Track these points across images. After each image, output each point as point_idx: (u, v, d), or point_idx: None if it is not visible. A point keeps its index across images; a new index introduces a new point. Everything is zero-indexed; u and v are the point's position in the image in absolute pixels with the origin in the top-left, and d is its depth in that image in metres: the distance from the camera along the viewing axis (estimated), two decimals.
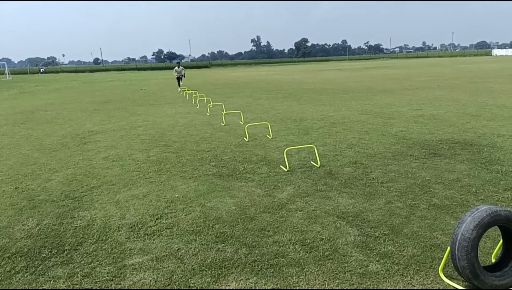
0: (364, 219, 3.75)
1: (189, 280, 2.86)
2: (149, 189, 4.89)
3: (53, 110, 13.88)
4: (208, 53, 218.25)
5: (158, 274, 2.95)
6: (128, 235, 3.63)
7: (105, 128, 9.56)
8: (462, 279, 2.65)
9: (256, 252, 3.21)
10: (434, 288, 2.63)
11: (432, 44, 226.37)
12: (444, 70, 30.86)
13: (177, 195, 4.63)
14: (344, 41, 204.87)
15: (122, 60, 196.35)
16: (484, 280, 2.51)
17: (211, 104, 12.70)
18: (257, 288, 2.72)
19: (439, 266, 2.81)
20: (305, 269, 2.92)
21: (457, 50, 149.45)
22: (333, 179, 4.97)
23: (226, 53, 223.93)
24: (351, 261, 3.00)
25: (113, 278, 2.92)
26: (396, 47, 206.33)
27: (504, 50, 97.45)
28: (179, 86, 21.40)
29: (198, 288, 2.75)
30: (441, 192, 4.38)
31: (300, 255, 3.13)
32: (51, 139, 8.35)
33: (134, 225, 3.84)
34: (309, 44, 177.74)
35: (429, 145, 6.54)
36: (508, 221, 2.56)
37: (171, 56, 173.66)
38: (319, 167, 5.50)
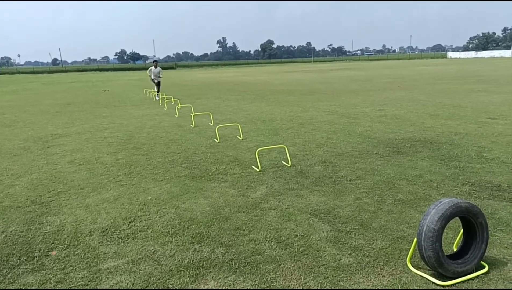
0: (335, 215, 3.90)
1: (167, 281, 2.86)
2: (120, 192, 4.81)
3: (12, 113, 13.22)
4: (173, 54, 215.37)
5: (135, 277, 2.93)
6: (101, 239, 3.56)
7: (69, 131, 9.24)
8: (428, 267, 2.83)
9: (233, 251, 3.26)
10: (403, 278, 2.79)
11: (392, 47, 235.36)
12: (404, 72, 32.22)
13: (149, 198, 4.58)
14: (309, 43, 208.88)
15: (83, 61, 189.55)
16: (448, 267, 2.70)
17: (179, 105, 12.58)
18: (236, 286, 2.77)
19: (406, 257, 2.98)
20: (282, 265, 3.01)
21: (415, 53, 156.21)
22: (304, 177, 5.11)
23: (191, 54, 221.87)
24: (325, 256, 3.12)
25: (88, 283, 2.87)
26: (358, 50, 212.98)
27: (458, 52, 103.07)
28: (157, 92, 16.74)
29: (177, 289, 2.76)
30: (405, 187, 4.62)
31: (276, 252, 3.22)
32: (12, 144, 7.98)
33: (106, 229, 3.77)
34: (274, 45, 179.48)
35: (392, 143, 6.85)
36: (468, 212, 2.77)
37: (135, 56, 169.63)
38: (290, 166, 5.63)
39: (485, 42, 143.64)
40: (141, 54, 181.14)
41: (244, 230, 3.65)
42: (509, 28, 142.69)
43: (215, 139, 7.65)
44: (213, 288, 2.75)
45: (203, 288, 2.75)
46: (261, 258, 3.13)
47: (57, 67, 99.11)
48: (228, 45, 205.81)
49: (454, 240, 3.24)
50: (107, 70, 76.12)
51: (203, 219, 3.93)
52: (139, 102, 15.98)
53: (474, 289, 2.66)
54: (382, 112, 10.43)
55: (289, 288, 2.72)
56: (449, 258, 2.78)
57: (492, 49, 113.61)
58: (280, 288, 2.72)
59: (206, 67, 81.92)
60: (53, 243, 3.51)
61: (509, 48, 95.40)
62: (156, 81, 17.02)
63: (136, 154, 6.78)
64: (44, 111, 13.57)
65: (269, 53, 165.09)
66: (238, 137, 7.84)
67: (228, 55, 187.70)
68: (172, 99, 14.57)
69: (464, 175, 5.01)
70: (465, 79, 21.49)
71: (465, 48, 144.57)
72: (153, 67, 17.36)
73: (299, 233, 3.54)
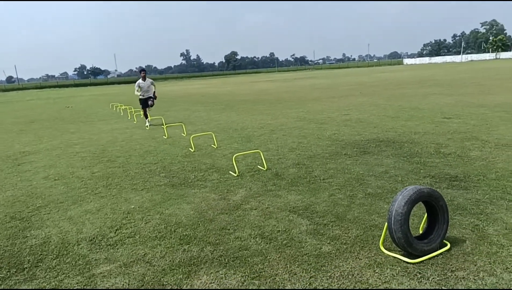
0: (313, 210, 4.19)
1: (162, 279, 3.02)
2: (101, 204, 4.87)
3: None
4: (136, 68, 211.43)
5: (130, 278, 3.06)
6: (90, 248, 3.65)
7: (37, 148, 9.06)
8: (399, 249, 3.16)
9: (221, 248, 3.46)
10: (377, 259, 3.10)
11: (351, 56, 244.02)
12: (364, 79, 33.64)
13: (132, 206, 4.69)
14: (272, 54, 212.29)
15: (40, 78, 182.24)
16: (416, 247, 3.04)
17: (150, 117, 12.58)
18: (228, 278, 2.97)
19: (379, 241, 3.31)
20: (268, 257, 3.24)
21: (373, 60, 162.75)
22: (280, 179, 5.39)
23: (155, 67, 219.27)
24: (307, 246, 3.39)
25: (84, 287, 2.97)
26: (320, 59, 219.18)
27: (413, 59, 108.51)
28: (146, 117, 12.01)
29: (173, 287, 2.92)
30: (373, 183, 5.00)
31: (261, 246, 3.45)
32: None
33: (93, 238, 3.85)
34: (238, 57, 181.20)
35: (359, 144, 7.29)
36: (430, 196, 3.14)
37: (95, 71, 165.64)
38: (266, 170, 5.89)
39: (438, 48, 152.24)
40: (102, 68, 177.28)
41: (229, 229, 3.86)
42: (458, 35, 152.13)
43: (190, 149, 7.80)
44: (207, 281, 2.94)
45: (198, 289, 2.93)
46: (248, 252, 3.35)
47: (12, 85, 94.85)
48: (192, 58, 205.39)
49: (419, 225, 3.61)
50: (67, 86, 73.71)
51: (188, 222, 4.10)
52: (106, 116, 15.78)
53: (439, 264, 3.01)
54: (347, 117, 10.97)
55: (277, 276, 2.95)
56: (417, 239, 3.13)
57: (444, 55, 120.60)
58: (268, 276, 2.95)
59: (170, 80, 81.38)
60: (41, 254, 3.56)
61: (459, 54, 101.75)
62: (149, 102, 12.04)
63: (112, 166, 6.81)
64: (7, 130, 13.13)
65: (234, 64, 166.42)
66: (212, 145, 8.03)
67: (192, 68, 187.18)
68: (141, 112, 14.51)
69: (425, 169, 5.48)
70: (421, 83, 22.82)
71: (420, 54, 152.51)
72: (140, 81, 11.96)
73: (281, 228, 3.79)
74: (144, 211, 4.51)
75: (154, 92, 12.41)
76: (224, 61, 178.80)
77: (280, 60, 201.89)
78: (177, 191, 5.16)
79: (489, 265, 2.91)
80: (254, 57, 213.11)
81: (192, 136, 8.29)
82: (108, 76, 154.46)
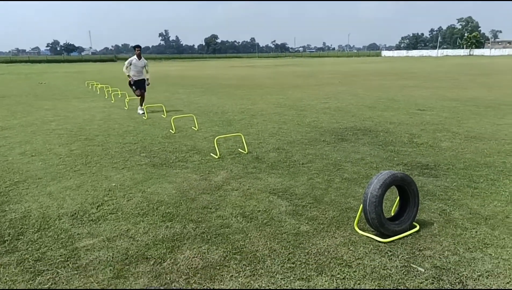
0: (292, 193, 4.34)
1: (146, 253, 3.10)
2: (81, 181, 4.86)
3: None
4: (112, 46, 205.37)
5: (113, 251, 3.13)
6: (72, 222, 3.67)
7: (11, 124, 8.81)
8: (372, 229, 3.36)
9: (203, 225, 3.57)
10: (352, 238, 3.29)
11: (331, 45, 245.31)
12: (343, 68, 34.07)
13: (114, 184, 4.70)
14: (253, 39, 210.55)
15: (10, 52, 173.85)
16: (388, 227, 3.24)
17: (128, 98, 12.39)
18: (210, 253, 3.09)
19: (354, 222, 3.50)
20: (249, 235, 3.38)
21: (353, 51, 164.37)
22: (260, 163, 5.52)
23: (131, 46, 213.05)
24: (286, 225, 3.55)
25: (68, 259, 3.02)
26: (300, 47, 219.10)
27: (391, 51, 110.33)
28: (141, 103, 10.19)
29: (157, 260, 3.01)
30: (350, 168, 5.21)
31: (243, 224, 3.58)
32: None
33: (75, 213, 3.87)
34: (219, 40, 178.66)
35: (337, 132, 7.50)
36: (403, 181, 3.34)
37: (69, 48, 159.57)
38: (247, 153, 6.00)
39: (415, 42, 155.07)
40: (76, 45, 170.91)
41: (211, 208, 3.96)
42: (435, 29, 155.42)
43: (171, 130, 7.80)
44: (190, 256, 3.05)
45: None
46: (229, 230, 3.48)
47: None
48: (171, 38, 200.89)
49: (391, 209, 3.82)
50: (39, 61, 70.88)
51: (170, 201, 4.17)
52: (82, 94, 15.40)
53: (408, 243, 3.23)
54: (326, 105, 11.18)
55: (258, 252, 3.10)
56: (389, 220, 3.34)
57: (421, 49, 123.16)
58: (249, 252, 3.09)
59: (148, 60, 79.32)
60: (22, 227, 3.56)
61: (436, 48, 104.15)
62: (137, 78, 10.10)
63: (91, 145, 6.74)
64: None
65: (214, 48, 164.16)
66: (193, 128, 8.05)
67: (171, 49, 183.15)
68: (119, 92, 14.27)
69: (399, 157, 5.73)
70: (398, 75, 23.36)
71: (397, 47, 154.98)
72: (134, 58, 10.04)
73: (261, 208, 3.93)
74: (126, 189, 4.55)
75: (148, 79, 10.41)
76: (204, 44, 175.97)
77: (261, 46, 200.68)
78: (159, 171, 5.20)
79: (453, 246, 3.15)
80: (235, 41, 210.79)
81: (173, 117, 8.27)
82: (82, 54, 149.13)
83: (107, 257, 3.04)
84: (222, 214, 3.81)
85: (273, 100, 12.55)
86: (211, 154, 5.99)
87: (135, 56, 10.12)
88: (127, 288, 2.66)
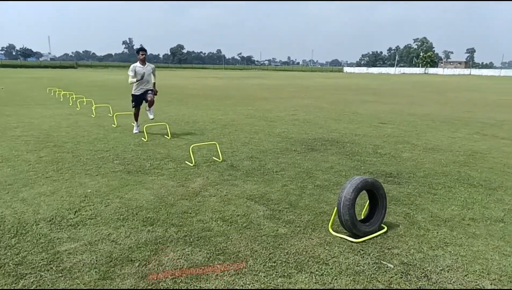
0: (268, 198, 4.54)
1: (130, 255, 3.16)
2: (55, 187, 4.79)
3: None
4: (72, 52, 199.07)
5: (97, 254, 3.16)
6: (50, 228, 3.65)
7: None
8: (345, 231, 3.62)
9: (185, 229, 3.67)
10: (327, 239, 3.53)
11: (296, 59, 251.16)
12: (308, 82, 35.09)
13: (89, 191, 4.68)
14: (219, 51, 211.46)
15: None
16: (359, 228, 3.51)
17: (94, 105, 12.15)
18: (194, 254, 3.20)
19: (328, 225, 3.74)
20: (230, 237, 3.52)
21: (317, 66, 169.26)
22: (235, 170, 5.68)
23: (93, 53, 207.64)
24: (265, 228, 3.72)
25: (51, 262, 3.02)
26: (266, 60, 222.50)
27: (352, 68, 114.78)
28: (136, 120, 8.65)
29: (141, 262, 3.08)
30: (321, 176, 5.49)
31: (223, 228, 3.72)
32: None
33: (52, 219, 3.84)
34: (185, 50, 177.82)
35: (306, 142, 7.82)
36: (373, 185, 3.63)
37: (26, 53, 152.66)
38: (221, 161, 6.14)
39: (374, 59, 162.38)
40: (34, 50, 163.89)
41: (190, 213, 4.06)
42: (393, 48, 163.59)
43: (143, 138, 7.79)
44: (174, 257, 3.14)
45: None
46: (211, 233, 3.60)
47: None
48: (135, 47, 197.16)
49: (361, 212, 4.11)
50: None
51: (149, 206, 4.23)
52: (44, 101, 14.89)
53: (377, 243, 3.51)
54: (295, 117, 11.56)
55: (240, 252, 3.24)
56: (360, 222, 3.61)
57: (380, 66, 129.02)
58: (232, 253, 3.23)
59: (111, 68, 77.70)
60: None
61: (393, 66, 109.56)
62: (148, 95, 8.39)
63: (60, 152, 6.61)
64: None
65: (179, 58, 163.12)
66: (166, 136, 8.08)
67: (134, 57, 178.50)
68: (85, 99, 13.95)
69: (365, 166, 6.10)
70: (360, 91, 24.45)
71: (358, 64, 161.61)
72: (137, 64, 8.28)
73: (240, 213, 4.09)
74: (102, 195, 4.54)
75: (154, 83, 8.64)
76: (169, 53, 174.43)
77: (227, 57, 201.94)
78: (134, 178, 5.22)
79: (418, 245, 3.46)
80: (201, 52, 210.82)
81: (146, 125, 8.26)
82: (41, 59, 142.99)
83: (91, 260, 3.07)
84: (202, 218, 3.92)
85: (243, 111, 12.78)
86: (186, 162, 6.07)
87: (137, 63, 8.26)
88: (115, 289, 2.72)
